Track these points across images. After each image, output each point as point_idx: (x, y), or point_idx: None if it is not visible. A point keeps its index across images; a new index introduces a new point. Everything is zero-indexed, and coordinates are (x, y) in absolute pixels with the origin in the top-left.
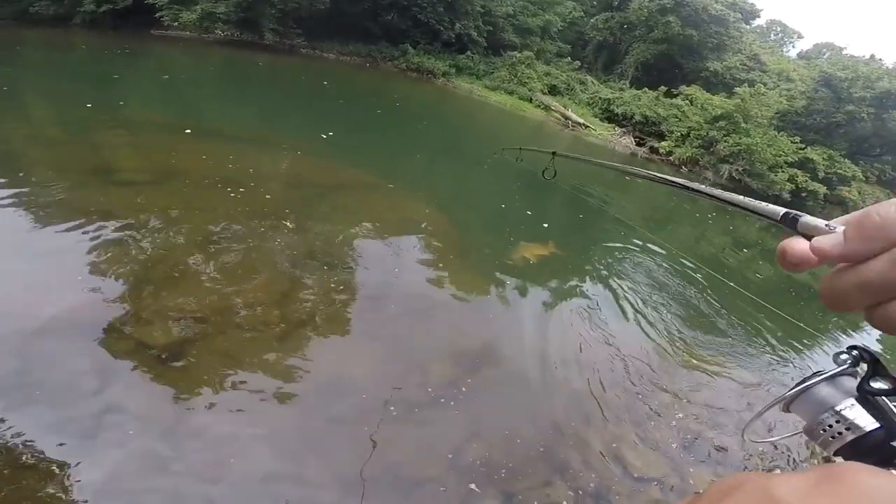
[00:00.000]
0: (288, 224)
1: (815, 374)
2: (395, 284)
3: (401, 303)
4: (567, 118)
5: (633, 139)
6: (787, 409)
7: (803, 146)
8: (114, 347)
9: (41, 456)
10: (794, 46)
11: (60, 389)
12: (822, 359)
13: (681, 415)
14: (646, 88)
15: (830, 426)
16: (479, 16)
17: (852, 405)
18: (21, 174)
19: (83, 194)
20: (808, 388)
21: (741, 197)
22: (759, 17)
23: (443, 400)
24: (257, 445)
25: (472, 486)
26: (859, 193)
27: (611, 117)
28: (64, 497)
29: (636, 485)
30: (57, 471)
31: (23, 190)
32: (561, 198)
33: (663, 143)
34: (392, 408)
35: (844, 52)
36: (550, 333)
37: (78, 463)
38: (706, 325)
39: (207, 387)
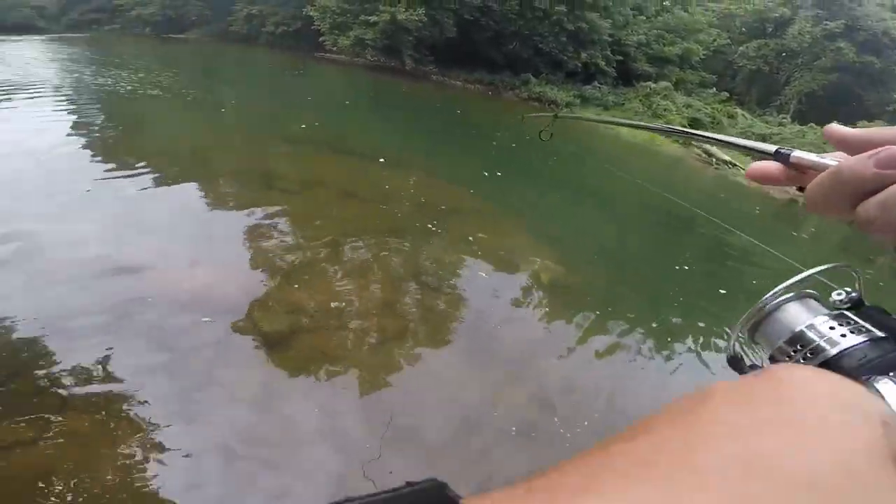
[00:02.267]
0: (406, 243)
1: (774, 295)
2: (497, 317)
3: (500, 337)
4: (711, 155)
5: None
6: (752, 336)
7: None
8: (233, 326)
9: (139, 410)
10: None
11: (180, 355)
12: None
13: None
14: (812, 123)
15: (801, 346)
16: (606, 45)
17: (826, 320)
18: (207, 173)
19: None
20: (779, 305)
21: (735, 138)
22: None
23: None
24: (339, 437)
25: None
26: None
27: None
28: (154, 455)
29: None
30: (151, 425)
31: (208, 182)
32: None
33: None
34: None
35: None
36: None
37: (169, 425)
38: None
39: (305, 374)
